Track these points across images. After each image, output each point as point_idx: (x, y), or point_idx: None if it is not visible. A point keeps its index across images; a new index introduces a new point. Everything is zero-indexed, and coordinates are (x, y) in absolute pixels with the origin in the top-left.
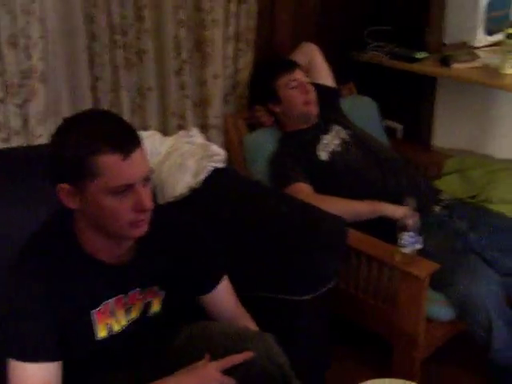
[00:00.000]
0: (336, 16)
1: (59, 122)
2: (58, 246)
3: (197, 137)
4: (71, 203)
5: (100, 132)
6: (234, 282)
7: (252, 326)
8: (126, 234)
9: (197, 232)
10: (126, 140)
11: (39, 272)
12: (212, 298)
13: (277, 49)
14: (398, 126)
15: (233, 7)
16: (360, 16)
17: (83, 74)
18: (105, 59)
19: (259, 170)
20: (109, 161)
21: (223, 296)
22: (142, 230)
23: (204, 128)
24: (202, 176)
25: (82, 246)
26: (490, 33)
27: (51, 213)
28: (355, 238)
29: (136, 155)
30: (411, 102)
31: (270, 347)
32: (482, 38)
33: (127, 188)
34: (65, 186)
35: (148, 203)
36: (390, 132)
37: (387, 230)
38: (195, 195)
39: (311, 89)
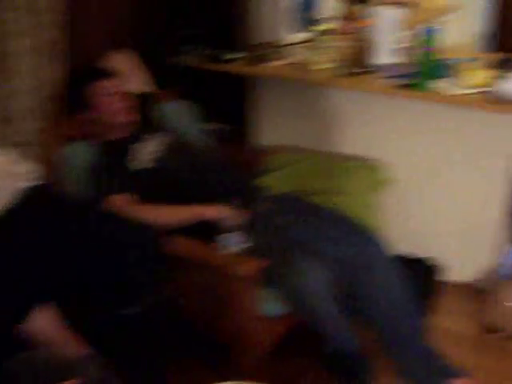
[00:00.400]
0: (150, 22)
1: None
2: None
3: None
4: None
5: None
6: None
7: (81, 348)
8: None
9: None
10: None
11: None
12: (31, 327)
13: (90, 59)
14: (225, 128)
15: (35, 17)
16: (173, 21)
17: None
18: None
19: (76, 182)
20: None
21: (42, 323)
22: None
23: (14, 146)
24: (4, 199)
25: None
26: (301, 31)
27: None
28: (179, 244)
29: None
30: (234, 103)
31: (101, 370)
32: (293, 37)
33: None
34: None
35: None
36: (218, 134)
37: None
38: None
39: (126, 96)
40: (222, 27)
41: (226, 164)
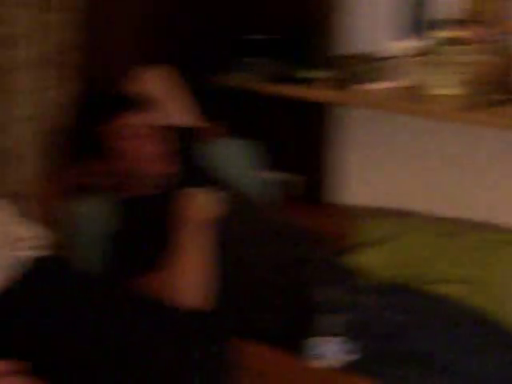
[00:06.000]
0: (192, 27)
1: None
2: None
3: None
4: None
5: None
6: None
7: None
8: None
9: None
10: None
11: None
12: None
13: (111, 76)
14: (293, 180)
15: (44, 16)
16: (224, 25)
17: None
18: None
19: (88, 255)
20: None
21: None
22: None
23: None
24: (11, 272)
25: None
26: (412, 39)
27: None
28: (250, 352)
29: None
30: (308, 143)
31: None
32: (399, 47)
33: None
34: None
35: None
36: (283, 187)
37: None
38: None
39: (160, 138)
40: (294, 33)
41: (306, 234)
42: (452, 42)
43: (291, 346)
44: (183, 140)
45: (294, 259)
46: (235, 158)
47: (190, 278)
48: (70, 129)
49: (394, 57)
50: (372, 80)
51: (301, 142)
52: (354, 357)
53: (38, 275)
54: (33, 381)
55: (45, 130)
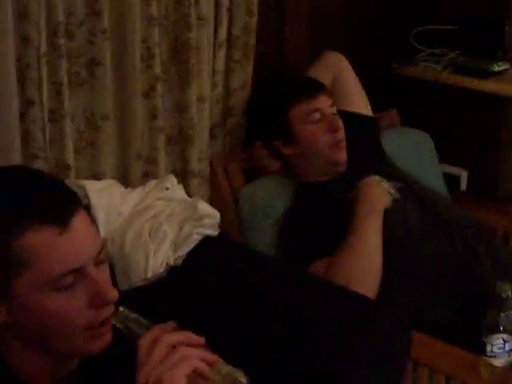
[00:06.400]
0: (368, 14)
1: None
2: None
3: (175, 189)
4: None
5: (16, 201)
6: None
7: None
8: (80, 348)
9: None
10: (58, 205)
11: None
12: None
13: (288, 60)
14: (462, 173)
15: None
16: (404, 11)
17: (10, 96)
18: (41, 73)
19: (263, 238)
20: (37, 240)
21: None
22: (106, 339)
23: (182, 176)
24: (187, 248)
25: (14, 371)
26: None
27: None
28: (423, 346)
29: (77, 224)
30: (482, 137)
31: None
32: None
33: (74, 276)
34: None
35: (111, 291)
36: (448, 181)
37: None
38: (176, 277)
39: (340, 124)
40: (486, 24)
41: (480, 227)
42: None
43: (466, 342)
44: (362, 128)
45: (468, 253)
46: (410, 148)
47: (365, 265)
48: (255, 111)
49: None
50: None
51: (474, 137)
52: None
53: (209, 253)
54: (210, 353)
55: (222, 111)
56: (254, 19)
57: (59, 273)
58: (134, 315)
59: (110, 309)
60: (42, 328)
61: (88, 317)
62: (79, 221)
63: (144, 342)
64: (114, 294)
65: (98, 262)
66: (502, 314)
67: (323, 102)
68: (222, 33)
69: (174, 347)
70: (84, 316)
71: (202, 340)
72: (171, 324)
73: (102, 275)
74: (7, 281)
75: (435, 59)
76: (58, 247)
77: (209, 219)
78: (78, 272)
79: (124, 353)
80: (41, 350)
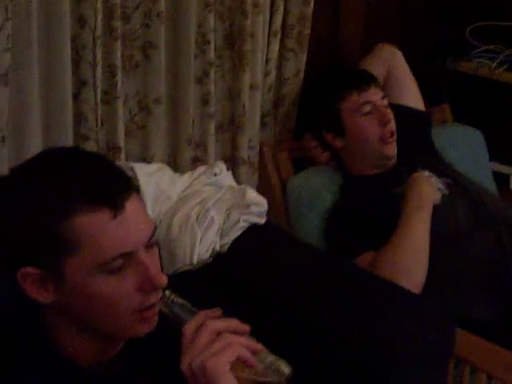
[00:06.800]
0: (424, 7)
1: (26, 145)
2: (22, 350)
3: (225, 176)
4: (42, 295)
5: (72, 183)
6: None
7: None
8: (127, 331)
9: None
10: (113, 188)
11: None
12: None
13: (341, 51)
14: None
15: None
16: (460, 6)
17: (63, 76)
18: (96, 55)
19: (309, 229)
20: (91, 223)
21: None
22: (152, 322)
23: (231, 163)
24: (233, 235)
25: (58, 350)
26: None
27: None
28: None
29: (130, 208)
30: None
31: None
32: None
33: (125, 259)
34: (30, 270)
35: (160, 277)
36: (498, 180)
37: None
38: (221, 263)
39: (392, 117)
40: None
41: None
42: None
43: (510, 342)
44: (413, 122)
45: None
46: (461, 145)
47: (412, 259)
48: (306, 102)
49: None
50: None
51: None
52: None
53: (256, 241)
54: (254, 341)
55: (273, 100)
56: (310, 9)
57: (110, 256)
58: (180, 300)
59: (158, 294)
60: (89, 309)
61: (136, 301)
62: (133, 205)
63: (189, 328)
64: (162, 280)
65: (148, 247)
66: None
67: (374, 95)
68: (277, 21)
69: (218, 334)
70: (132, 300)
71: (247, 328)
72: (217, 310)
73: (152, 260)
74: (57, 261)
75: (490, 56)
76: (110, 231)
77: (256, 207)
78: (129, 256)
79: (168, 338)
80: (87, 331)
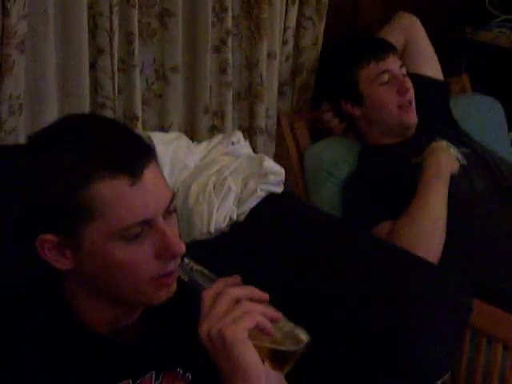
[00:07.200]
0: None
1: (43, 112)
2: (41, 317)
3: (242, 145)
4: (60, 262)
5: (90, 150)
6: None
7: None
8: (147, 297)
9: None
10: (132, 155)
11: (13, 355)
12: None
13: (360, 20)
14: None
15: None
16: None
17: (80, 44)
18: (113, 23)
19: (327, 198)
20: (110, 190)
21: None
22: (171, 289)
23: (248, 132)
24: (251, 204)
25: (76, 317)
26: None
27: (27, 267)
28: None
29: (149, 175)
30: None
31: None
32: None
33: (143, 227)
34: (48, 237)
35: (179, 245)
36: None
37: None
38: (238, 232)
39: (410, 86)
40: None
41: None
42: None
43: None
44: (432, 92)
45: None
46: (480, 114)
47: (429, 229)
48: (324, 71)
49: None
50: None
51: None
52: None
53: (273, 210)
54: (272, 309)
55: (291, 69)
56: None
57: (128, 223)
58: (199, 267)
59: (177, 262)
60: (107, 277)
61: (154, 268)
62: (151, 172)
63: (208, 295)
64: (181, 248)
65: (167, 214)
66: None
67: (392, 64)
68: None
69: (237, 301)
70: (150, 267)
71: (265, 296)
72: (236, 278)
73: (171, 228)
74: (75, 228)
75: (509, 25)
76: (129, 198)
77: (273, 176)
78: (147, 223)
79: (187, 305)
80: (105, 298)
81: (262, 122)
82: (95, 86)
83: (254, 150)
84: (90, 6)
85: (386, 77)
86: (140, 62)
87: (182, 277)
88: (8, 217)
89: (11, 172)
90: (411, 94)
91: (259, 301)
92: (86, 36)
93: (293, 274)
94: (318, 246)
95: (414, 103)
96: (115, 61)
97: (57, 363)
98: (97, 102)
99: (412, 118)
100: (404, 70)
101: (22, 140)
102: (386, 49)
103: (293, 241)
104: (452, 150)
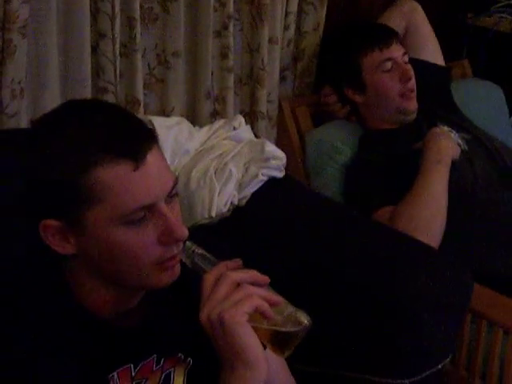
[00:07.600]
0: None
1: (44, 97)
2: (43, 302)
3: (244, 130)
4: (63, 246)
5: (93, 135)
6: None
7: None
8: (150, 281)
9: None
10: (135, 140)
11: (15, 340)
12: None
13: (361, 5)
14: None
15: None
16: None
17: (82, 28)
18: (115, 7)
19: (328, 183)
20: (112, 175)
21: (271, 367)
22: (175, 273)
23: (250, 117)
24: (252, 189)
25: (78, 301)
26: None
27: (30, 250)
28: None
29: (152, 160)
30: None
31: None
32: None
33: (146, 212)
34: (51, 222)
35: (181, 229)
36: None
37: None
38: (239, 216)
39: (412, 74)
40: None
41: None
42: None
43: None
44: (433, 77)
45: None
46: (480, 100)
47: (430, 214)
48: (326, 57)
49: None
50: None
51: None
52: None
53: (274, 194)
54: (273, 293)
55: (293, 54)
56: None
57: (131, 208)
58: (201, 251)
59: (179, 246)
60: (111, 261)
61: (157, 252)
62: (154, 157)
63: (209, 278)
64: (184, 232)
65: (170, 199)
66: None
67: (396, 51)
68: None
69: (238, 285)
70: (153, 251)
71: (266, 279)
72: (237, 261)
73: (173, 212)
74: (79, 213)
75: (511, 11)
76: (131, 182)
77: (275, 161)
78: (150, 208)
79: (189, 289)
80: (108, 282)
81: (263, 106)
82: (97, 70)
83: (256, 135)
84: None
85: (389, 64)
86: (142, 46)
87: (184, 260)
88: (9, 202)
89: (13, 156)
90: (413, 83)
91: (260, 284)
92: (87, 20)
93: (293, 257)
94: (318, 231)
95: (415, 91)
96: (117, 45)
97: (58, 347)
98: (98, 87)
99: (412, 105)
100: (406, 58)
101: (24, 124)
102: (390, 36)
103: (294, 225)
104: (453, 135)
